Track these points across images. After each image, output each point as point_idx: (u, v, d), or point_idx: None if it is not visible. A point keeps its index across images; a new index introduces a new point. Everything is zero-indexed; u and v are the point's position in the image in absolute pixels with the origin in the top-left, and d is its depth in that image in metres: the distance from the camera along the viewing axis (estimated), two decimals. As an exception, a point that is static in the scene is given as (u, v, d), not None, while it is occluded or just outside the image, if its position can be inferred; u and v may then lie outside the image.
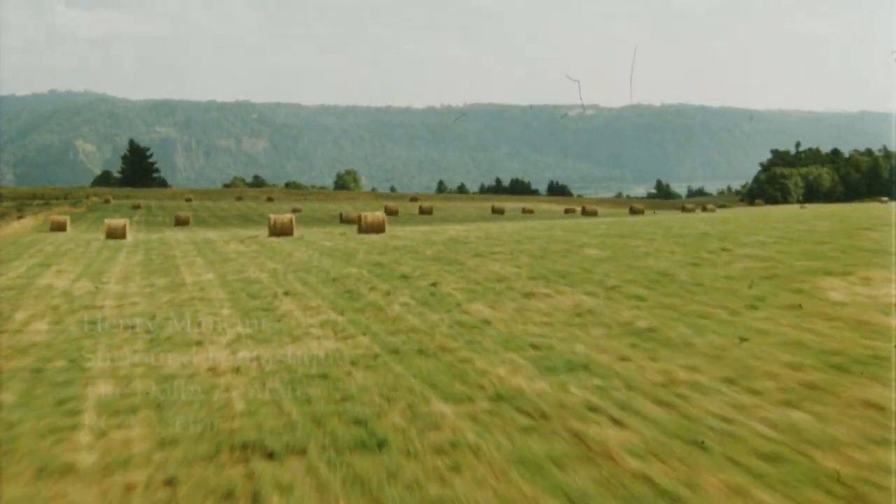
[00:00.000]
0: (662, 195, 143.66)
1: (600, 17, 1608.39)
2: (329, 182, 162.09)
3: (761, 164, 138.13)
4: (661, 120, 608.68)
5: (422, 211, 72.67)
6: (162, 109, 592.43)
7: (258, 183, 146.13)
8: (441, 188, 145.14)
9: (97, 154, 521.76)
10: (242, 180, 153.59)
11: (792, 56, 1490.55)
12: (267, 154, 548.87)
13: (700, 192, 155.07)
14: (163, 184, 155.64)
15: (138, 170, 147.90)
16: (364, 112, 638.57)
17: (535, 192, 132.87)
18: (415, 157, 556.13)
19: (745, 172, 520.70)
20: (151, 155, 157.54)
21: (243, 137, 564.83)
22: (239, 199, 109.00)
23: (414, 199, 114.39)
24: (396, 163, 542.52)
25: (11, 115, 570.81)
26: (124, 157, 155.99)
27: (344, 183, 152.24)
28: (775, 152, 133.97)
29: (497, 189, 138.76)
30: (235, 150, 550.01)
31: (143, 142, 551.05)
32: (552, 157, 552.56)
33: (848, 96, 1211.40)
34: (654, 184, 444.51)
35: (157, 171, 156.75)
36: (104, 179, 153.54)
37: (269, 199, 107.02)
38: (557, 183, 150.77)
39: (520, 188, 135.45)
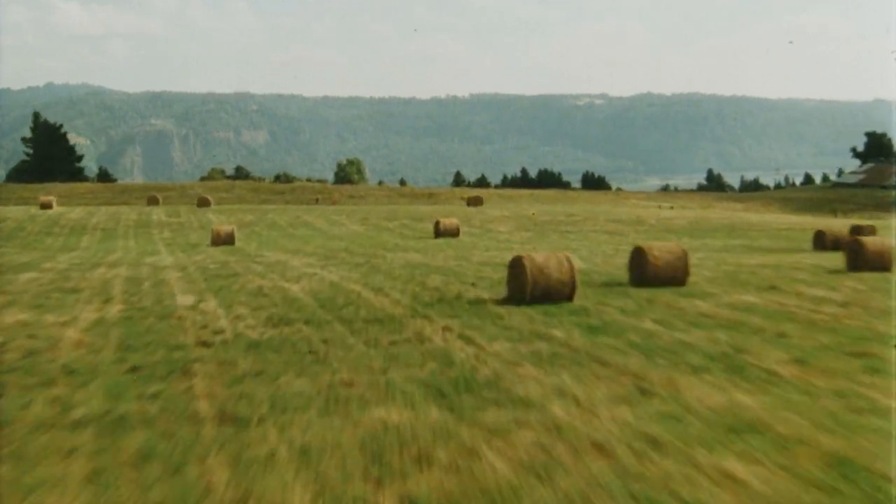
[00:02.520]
0: (714, 187, 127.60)
1: (607, 6, 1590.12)
2: (332, 176, 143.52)
3: (855, 152, 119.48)
4: (673, 109, 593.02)
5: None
6: (158, 101, 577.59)
7: (241, 174, 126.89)
8: (459, 181, 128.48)
9: (91, 147, 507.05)
10: (222, 171, 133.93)
11: (803, 45, 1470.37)
12: (267, 147, 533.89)
13: (756, 185, 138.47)
14: (106, 177, 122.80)
15: (49, 156, 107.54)
16: (367, 103, 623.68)
17: (566, 185, 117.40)
18: (420, 150, 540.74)
19: (761, 163, 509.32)
20: (65, 133, 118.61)
21: (243, 129, 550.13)
22: (153, 202, 72.94)
23: (476, 200, 74.47)
24: (401, 155, 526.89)
25: (5, 110, 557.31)
26: (27, 140, 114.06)
27: (346, 175, 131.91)
28: (871, 135, 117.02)
29: (524, 181, 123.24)
30: (234, 143, 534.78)
31: (138, 134, 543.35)
32: (561, 148, 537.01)
33: (860, 85, 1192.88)
34: (663, 176, 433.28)
35: (79, 158, 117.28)
36: (20, 173, 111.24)
37: (204, 204, 69.00)
38: (594, 175, 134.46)
39: (550, 181, 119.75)
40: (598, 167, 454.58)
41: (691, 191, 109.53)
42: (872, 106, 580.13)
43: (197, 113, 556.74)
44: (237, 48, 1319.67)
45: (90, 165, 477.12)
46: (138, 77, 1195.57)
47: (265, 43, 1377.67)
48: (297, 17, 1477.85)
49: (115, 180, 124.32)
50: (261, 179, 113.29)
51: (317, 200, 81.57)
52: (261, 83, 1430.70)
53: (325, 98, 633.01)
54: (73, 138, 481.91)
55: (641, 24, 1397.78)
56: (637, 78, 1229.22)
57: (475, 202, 73.72)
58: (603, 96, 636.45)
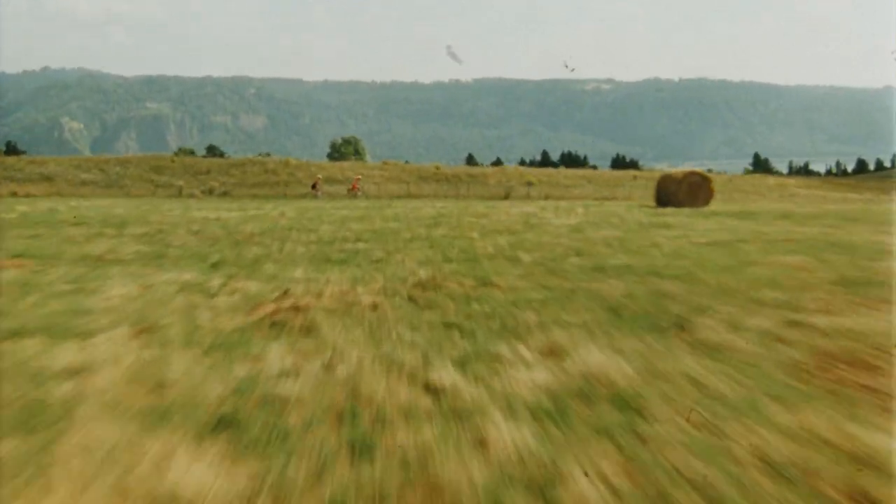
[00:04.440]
0: (761, 171, 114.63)
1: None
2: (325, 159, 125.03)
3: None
4: (681, 95, 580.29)
5: None
6: (155, 85, 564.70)
7: (215, 153, 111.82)
8: (471, 162, 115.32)
9: (84, 132, 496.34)
10: (191, 151, 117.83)
11: (812, 31, 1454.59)
12: (266, 131, 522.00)
13: (806, 170, 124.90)
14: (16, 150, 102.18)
15: None
16: (368, 87, 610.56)
17: (593, 168, 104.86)
18: (422, 135, 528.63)
19: (772, 150, 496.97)
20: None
21: (240, 114, 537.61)
22: None
23: (702, 191, 31.02)
24: (403, 140, 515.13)
25: (0, 93, 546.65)
26: None
27: (342, 156, 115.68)
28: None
29: (544, 163, 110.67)
30: (232, 127, 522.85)
31: (133, 118, 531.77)
32: (567, 133, 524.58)
33: (870, 72, 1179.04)
34: (673, 162, 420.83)
35: None
36: None
37: None
38: (624, 158, 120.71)
39: (575, 164, 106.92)
40: (607, 153, 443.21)
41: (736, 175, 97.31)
42: (883, 93, 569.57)
43: (193, 97, 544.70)
44: (237, 31, 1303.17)
45: (82, 149, 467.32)
46: (136, 61, 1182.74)
47: (265, 26, 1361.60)
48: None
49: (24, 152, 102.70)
50: (231, 157, 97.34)
51: (314, 186, 48.04)
52: (260, 67, 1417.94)
53: (326, 82, 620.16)
54: (66, 122, 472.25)
55: (648, 8, 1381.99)
56: (645, 63, 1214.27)
57: (700, 194, 30.65)
58: (610, 81, 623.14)
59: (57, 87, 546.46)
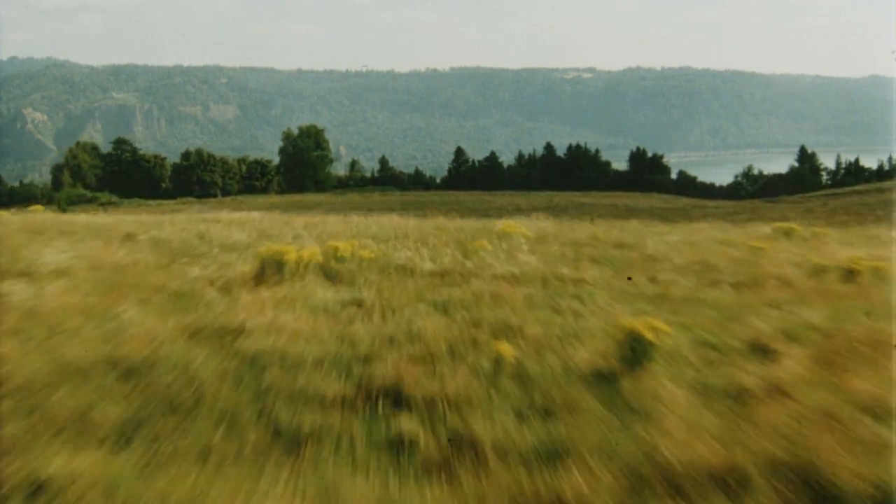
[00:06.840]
0: (808, 170, 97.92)
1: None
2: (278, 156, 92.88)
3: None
4: (664, 84, 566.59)
5: None
6: (122, 75, 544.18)
7: (123, 149, 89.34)
8: (460, 159, 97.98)
9: (48, 123, 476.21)
10: (94, 148, 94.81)
11: (795, 19, 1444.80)
12: (237, 122, 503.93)
13: (856, 165, 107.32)
14: None
15: None
16: (342, 76, 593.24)
17: (606, 165, 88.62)
18: (398, 125, 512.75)
19: (760, 140, 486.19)
20: None
21: (210, 104, 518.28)
22: None
23: None
24: (378, 130, 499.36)
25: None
26: None
27: (299, 153, 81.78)
28: None
29: (549, 160, 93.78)
30: (202, 118, 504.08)
31: (98, 109, 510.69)
32: (548, 124, 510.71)
33: (854, 61, 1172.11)
34: (658, 152, 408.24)
35: None
36: None
37: None
38: (644, 152, 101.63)
39: (584, 161, 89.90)
40: (589, 144, 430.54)
41: (779, 174, 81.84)
42: (868, 82, 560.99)
43: (162, 86, 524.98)
44: (208, 19, 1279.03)
45: (46, 142, 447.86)
46: (105, 50, 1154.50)
47: (237, 14, 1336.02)
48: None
49: None
50: (157, 157, 78.73)
51: None
52: (232, 55, 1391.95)
53: (299, 71, 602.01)
54: (29, 114, 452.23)
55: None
56: (627, 52, 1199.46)
57: None
58: (591, 70, 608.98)
59: (21, 78, 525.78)
